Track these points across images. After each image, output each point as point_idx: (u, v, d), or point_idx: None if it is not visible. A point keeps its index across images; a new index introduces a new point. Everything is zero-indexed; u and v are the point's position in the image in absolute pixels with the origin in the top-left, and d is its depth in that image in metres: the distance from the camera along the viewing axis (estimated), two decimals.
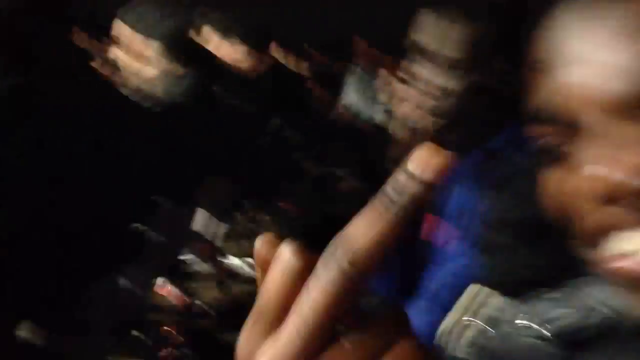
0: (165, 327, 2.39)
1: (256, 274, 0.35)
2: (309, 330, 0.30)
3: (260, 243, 0.35)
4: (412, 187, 0.30)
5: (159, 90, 2.14)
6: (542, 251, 0.71)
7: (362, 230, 0.31)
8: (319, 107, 4.83)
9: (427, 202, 0.31)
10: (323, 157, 4.01)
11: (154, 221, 1.93)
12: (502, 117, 1.18)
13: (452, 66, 1.19)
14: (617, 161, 0.42)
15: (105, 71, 2.24)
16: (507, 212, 0.78)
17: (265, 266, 0.34)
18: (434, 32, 1.21)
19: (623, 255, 0.44)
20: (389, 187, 0.31)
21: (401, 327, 0.32)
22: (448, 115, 1.21)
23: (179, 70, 2.13)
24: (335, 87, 5.36)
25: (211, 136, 2.24)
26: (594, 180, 0.42)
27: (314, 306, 0.30)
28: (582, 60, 0.45)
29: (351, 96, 5.22)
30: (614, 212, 0.42)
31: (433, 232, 1.25)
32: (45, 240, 1.59)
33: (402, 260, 1.29)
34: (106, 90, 2.05)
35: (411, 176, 0.30)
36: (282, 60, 4.27)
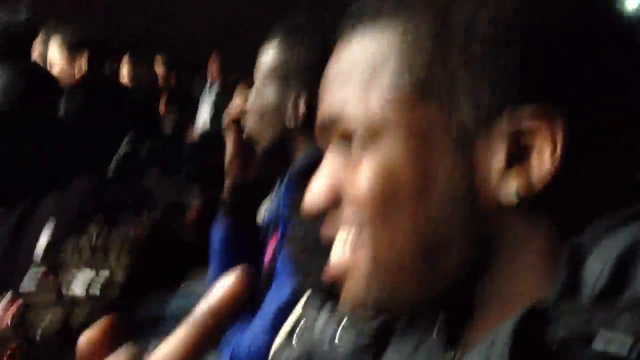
0: (4, 356, 2.28)
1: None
2: None
3: (85, 340, 0.39)
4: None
5: None
6: None
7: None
8: (170, 125, 4.80)
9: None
10: (173, 182, 3.98)
11: None
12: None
13: (269, 79, 1.27)
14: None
15: None
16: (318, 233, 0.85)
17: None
18: (266, 50, 1.30)
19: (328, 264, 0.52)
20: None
21: None
22: (258, 126, 1.28)
23: None
24: (188, 103, 5.34)
25: (39, 146, 2.17)
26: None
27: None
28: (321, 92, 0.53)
29: (206, 116, 5.22)
30: (325, 228, 0.51)
31: (272, 256, 1.31)
32: None
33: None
34: None
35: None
36: (126, 71, 4.20)
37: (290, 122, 1.25)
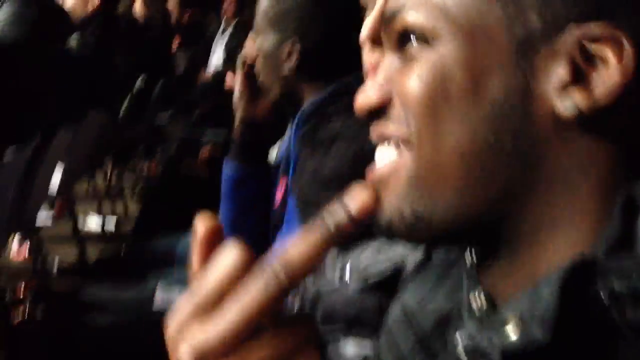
0: (20, 289, 2.35)
1: (193, 254, 0.37)
2: (240, 322, 0.35)
3: (202, 227, 0.37)
4: (343, 219, 0.35)
5: None
6: None
7: (298, 248, 0.35)
8: (182, 64, 4.78)
9: (353, 231, 0.36)
10: (188, 120, 3.99)
11: (3, 177, 1.86)
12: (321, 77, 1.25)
13: (260, 27, 1.28)
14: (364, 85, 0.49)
15: None
16: (331, 170, 0.87)
17: (203, 248, 0.37)
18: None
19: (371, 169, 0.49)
20: (326, 214, 0.35)
21: (309, 333, 0.37)
22: (265, 73, 1.29)
23: None
24: (198, 41, 5.31)
25: (51, 79, 2.16)
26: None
27: (249, 304, 0.35)
28: None
29: (219, 56, 5.21)
30: (373, 129, 0.49)
31: (283, 196, 1.33)
32: None
33: (255, 226, 1.37)
34: None
35: (345, 210, 0.35)
36: (137, 7, 4.16)
37: (287, 70, 1.26)
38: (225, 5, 5.28)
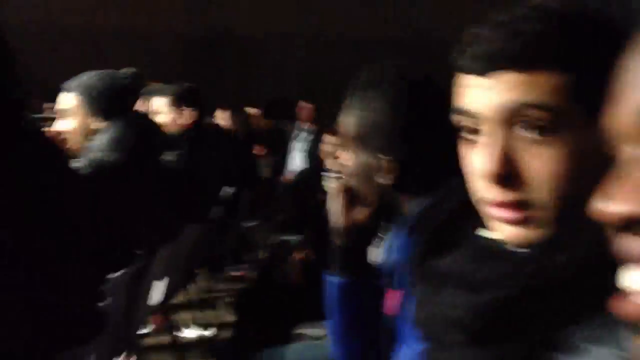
0: None
1: None
2: None
3: None
4: None
5: (77, 144, 2.16)
6: (492, 349, 0.69)
7: None
8: (267, 168, 4.92)
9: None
10: (274, 225, 4.05)
11: (110, 296, 1.91)
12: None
13: (356, 144, 1.29)
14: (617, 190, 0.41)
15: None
16: (452, 317, 0.75)
17: None
18: (345, 114, 1.32)
19: (624, 294, 0.41)
20: None
21: None
22: (365, 186, 1.30)
23: (97, 124, 2.16)
24: (278, 147, 5.48)
25: (151, 195, 2.24)
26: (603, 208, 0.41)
27: None
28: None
29: (297, 160, 5.34)
30: (624, 242, 0.41)
31: (395, 306, 1.30)
32: (6, 318, 1.56)
33: (367, 336, 1.35)
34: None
35: None
36: (220, 121, 4.35)
37: (383, 181, 1.27)
38: (300, 113, 5.49)
